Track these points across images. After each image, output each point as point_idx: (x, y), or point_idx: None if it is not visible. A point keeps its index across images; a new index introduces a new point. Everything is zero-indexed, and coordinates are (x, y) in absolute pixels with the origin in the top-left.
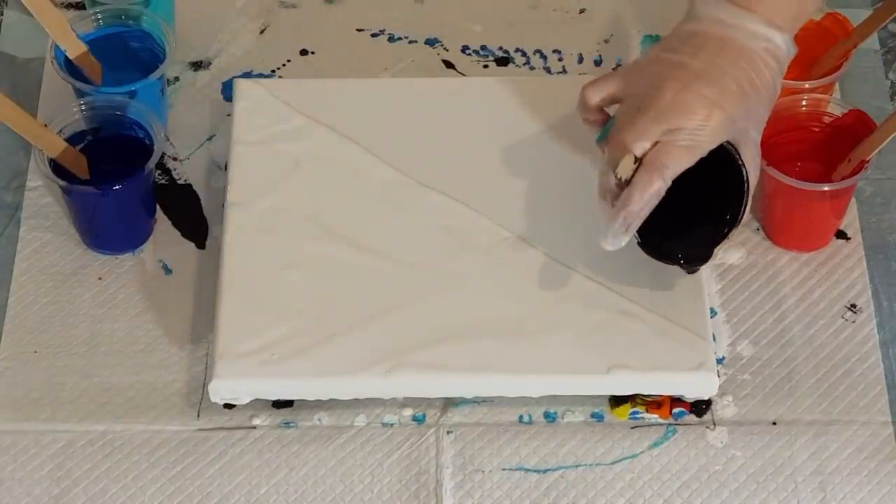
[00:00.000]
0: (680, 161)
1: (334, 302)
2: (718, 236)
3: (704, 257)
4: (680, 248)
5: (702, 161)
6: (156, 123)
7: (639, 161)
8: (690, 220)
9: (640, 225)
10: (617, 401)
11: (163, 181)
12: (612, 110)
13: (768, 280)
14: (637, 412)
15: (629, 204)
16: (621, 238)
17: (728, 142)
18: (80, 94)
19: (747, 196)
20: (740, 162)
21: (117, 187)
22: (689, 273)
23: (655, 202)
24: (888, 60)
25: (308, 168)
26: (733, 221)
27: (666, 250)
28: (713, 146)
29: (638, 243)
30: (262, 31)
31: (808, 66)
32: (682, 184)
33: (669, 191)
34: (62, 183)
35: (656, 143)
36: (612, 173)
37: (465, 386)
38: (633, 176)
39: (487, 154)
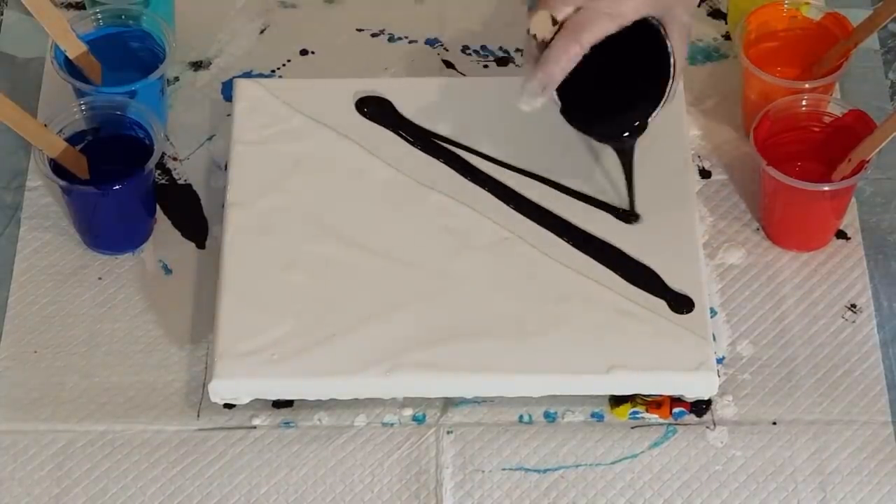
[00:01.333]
0: (599, 27)
1: (334, 302)
2: (641, 116)
3: (622, 133)
4: (602, 124)
5: (633, 43)
6: (156, 123)
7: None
8: (618, 100)
9: (555, 87)
10: (617, 401)
11: (163, 181)
12: None
13: (768, 280)
14: (637, 412)
15: (546, 64)
16: (536, 99)
17: (656, 19)
18: (80, 93)
19: (674, 75)
20: (666, 40)
21: (117, 187)
22: (615, 148)
23: (571, 65)
24: (888, 60)
25: (308, 168)
26: (656, 101)
27: (587, 123)
28: (635, 17)
29: (560, 110)
30: (262, 31)
31: (808, 66)
32: (614, 64)
33: (601, 69)
34: (62, 183)
35: (579, 9)
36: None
37: (465, 386)
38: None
39: (487, 153)
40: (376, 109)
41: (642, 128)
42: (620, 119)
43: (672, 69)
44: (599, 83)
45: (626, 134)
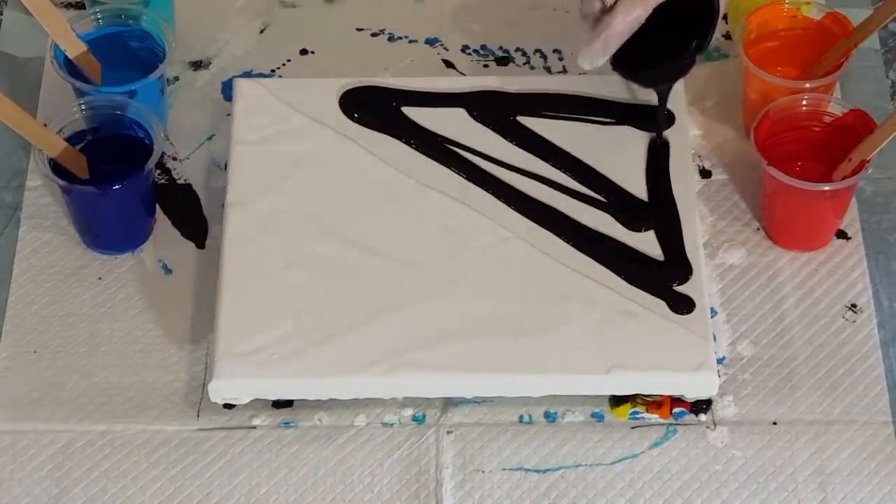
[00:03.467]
0: None
1: (334, 302)
2: (686, 60)
3: (670, 76)
4: (649, 71)
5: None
6: (155, 123)
7: None
8: (663, 49)
9: (616, 48)
10: (617, 401)
11: (162, 181)
12: None
13: (768, 280)
14: (637, 412)
15: (610, 27)
16: (598, 59)
17: None
18: (80, 93)
19: (715, 21)
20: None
21: (117, 187)
22: (657, 92)
23: (635, 28)
24: (888, 60)
25: (308, 168)
26: (699, 47)
27: (637, 71)
28: None
29: (611, 62)
30: (262, 31)
31: (808, 66)
32: (661, 16)
33: (648, 21)
34: (62, 182)
35: None
36: None
37: (465, 386)
38: (616, 2)
39: (487, 153)
40: (369, 110)
41: (682, 74)
42: (663, 69)
43: (715, 17)
44: (646, 34)
45: (667, 81)
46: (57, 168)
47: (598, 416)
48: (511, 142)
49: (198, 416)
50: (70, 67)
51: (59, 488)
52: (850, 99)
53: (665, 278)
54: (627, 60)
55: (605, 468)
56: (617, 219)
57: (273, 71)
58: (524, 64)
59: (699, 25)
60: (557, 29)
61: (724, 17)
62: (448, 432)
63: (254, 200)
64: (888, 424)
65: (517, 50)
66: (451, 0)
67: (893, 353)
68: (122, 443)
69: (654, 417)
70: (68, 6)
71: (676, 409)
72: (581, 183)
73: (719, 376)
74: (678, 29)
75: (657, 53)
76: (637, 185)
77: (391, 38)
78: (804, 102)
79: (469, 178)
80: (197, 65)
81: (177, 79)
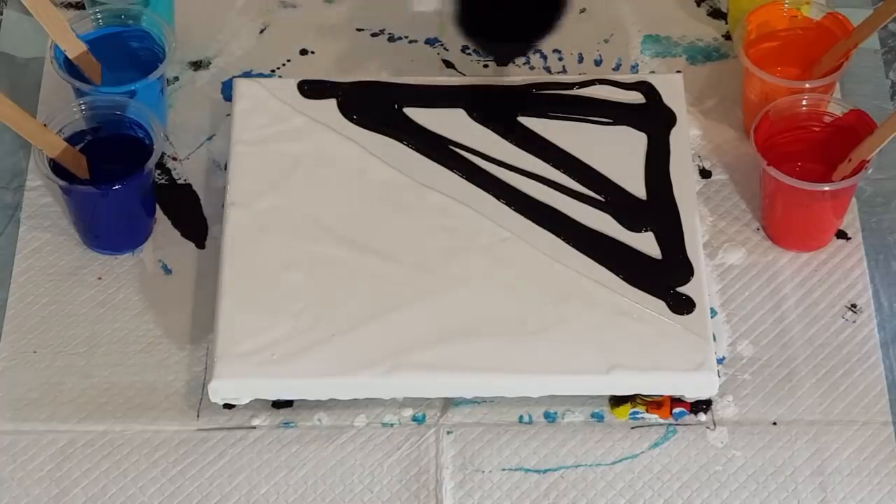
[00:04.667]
0: None
1: (334, 302)
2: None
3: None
4: (492, 40)
5: None
6: (155, 123)
7: None
8: (513, 23)
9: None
10: (617, 401)
11: (162, 181)
12: None
13: (768, 280)
14: (637, 412)
15: None
16: (429, 2)
17: None
18: (80, 93)
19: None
20: None
21: (117, 187)
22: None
23: None
24: (888, 60)
25: (308, 168)
26: (544, 30)
27: (482, 41)
28: None
29: (456, 22)
30: (261, 31)
31: (808, 66)
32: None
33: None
34: (62, 183)
35: None
36: None
37: (465, 386)
38: None
39: (488, 154)
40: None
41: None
42: (511, 42)
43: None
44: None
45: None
46: (57, 168)
47: (598, 416)
48: (511, 142)
49: (198, 416)
50: (70, 67)
51: (59, 488)
52: (849, 99)
53: (665, 278)
54: (476, 23)
55: (605, 468)
56: (617, 219)
57: (273, 71)
58: (524, 64)
59: (551, 16)
60: (557, 29)
61: (725, 17)
62: (448, 432)
63: (254, 200)
64: (888, 425)
65: None
66: (451, 0)
67: (893, 353)
68: (122, 443)
69: (654, 417)
70: (68, 6)
71: (676, 409)
72: (581, 183)
73: (719, 376)
74: (530, 13)
75: (505, 29)
76: (636, 185)
77: (391, 38)
78: (804, 102)
79: (469, 179)
80: (197, 65)
81: (177, 79)
